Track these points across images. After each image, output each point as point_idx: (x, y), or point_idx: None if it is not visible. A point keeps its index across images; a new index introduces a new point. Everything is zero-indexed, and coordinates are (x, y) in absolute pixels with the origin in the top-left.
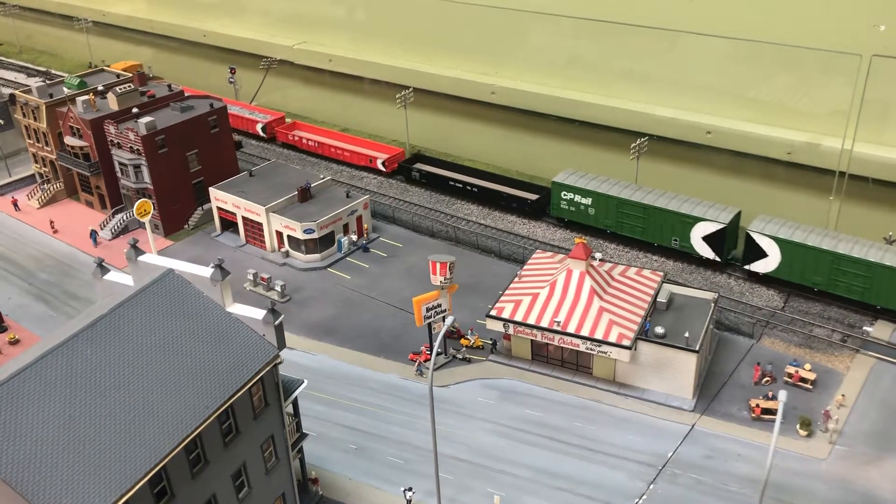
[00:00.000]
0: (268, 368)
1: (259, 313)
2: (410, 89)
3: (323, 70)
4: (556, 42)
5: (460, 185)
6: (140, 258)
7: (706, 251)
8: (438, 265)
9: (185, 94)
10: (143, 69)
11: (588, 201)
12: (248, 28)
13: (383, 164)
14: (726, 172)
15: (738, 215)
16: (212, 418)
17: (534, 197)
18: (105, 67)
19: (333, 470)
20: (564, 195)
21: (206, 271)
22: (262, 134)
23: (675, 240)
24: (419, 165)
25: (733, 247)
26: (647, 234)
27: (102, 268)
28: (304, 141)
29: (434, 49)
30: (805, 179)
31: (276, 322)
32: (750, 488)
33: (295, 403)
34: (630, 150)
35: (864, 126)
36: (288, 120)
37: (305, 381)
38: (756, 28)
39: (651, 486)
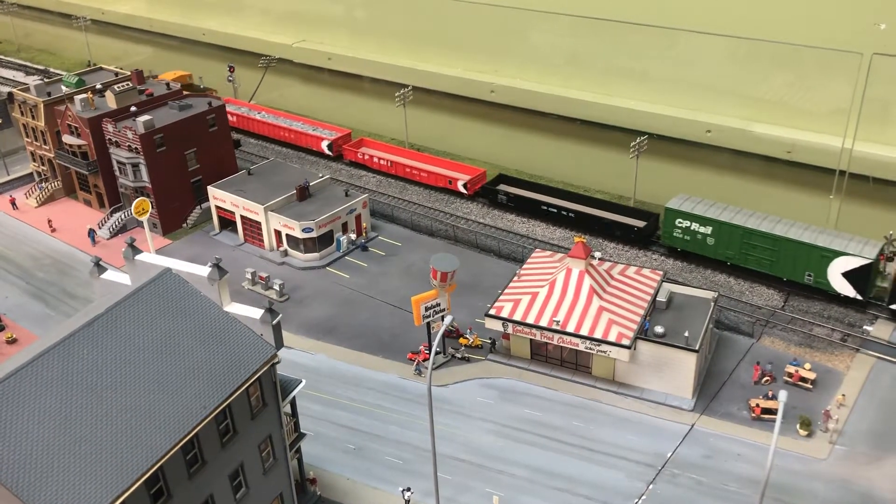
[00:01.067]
0: (265, 368)
1: (257, 313)
2: (409, 88)
3: (322, 68)
4: (556, 40)
5: (554, 210)
6: (137, 257)
7: (846, 289)
8: (440, 274)
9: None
10: (194, 80)
11: (707, 230)
12: (248, 26)
13: (465, 185)
14: (726, 171)
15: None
16: (209, 418)
17: (641, 224)
18: (153, 78)
19: (332, 470)
20: (679, 223)
21: (204, 270)
22: (327, 152)
23: (810, 275)
24: (504, 187)
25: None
26: (777, 268)
27: (100, 267)
28: (376, 160)
29: (434, 47)
30: (805, 178)
31: (274, 321)
32: (749, 488)
33: (293, 403)
34: (630, 149)
35: (865, 125)
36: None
37: (303, 381)
38: (756, 26)
39: (650, 487)
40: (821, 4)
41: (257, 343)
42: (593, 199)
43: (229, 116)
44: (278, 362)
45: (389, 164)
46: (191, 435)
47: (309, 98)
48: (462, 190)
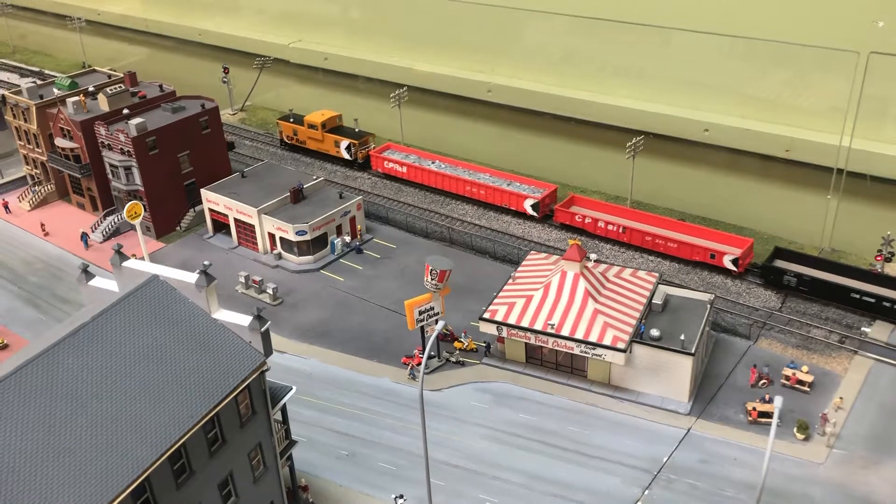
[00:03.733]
0: (254, 376)
1: (245, 319)
2: (405, 88)
3: (317, 68)
4: (553, 39)
5: (871, 300)
6: (125, 264)
7: None
8: (438, 273)
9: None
10: (349, 121)
11: None
12: (243, 26)
13: (734, 262)
14: (724, 170)
15: None
16: (196, 427)
17: None
18: (291, 121)
19: (324, 476)
20: None
21: (192, 277)
22: (531, 212)
23: None
24: (783, 264)
25: None
26: None
27: (87, 273)
28: (602, 224)
29: (430, 47)
30: (803, 177)
31: (263, 328)
32: (746, 493)
33: (284, 410)
34: (626, 149)
35: (863, 123)
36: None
37: (294, 388)
38: (753, 25)
39: (646, 492)
40: (818, 3)
41: (246, 350)
42: None
43: (393, 164)
44: (267, 370)
45: (622, 230)
46: (178, 444)
47: (304, 98)
48: (731, 267)
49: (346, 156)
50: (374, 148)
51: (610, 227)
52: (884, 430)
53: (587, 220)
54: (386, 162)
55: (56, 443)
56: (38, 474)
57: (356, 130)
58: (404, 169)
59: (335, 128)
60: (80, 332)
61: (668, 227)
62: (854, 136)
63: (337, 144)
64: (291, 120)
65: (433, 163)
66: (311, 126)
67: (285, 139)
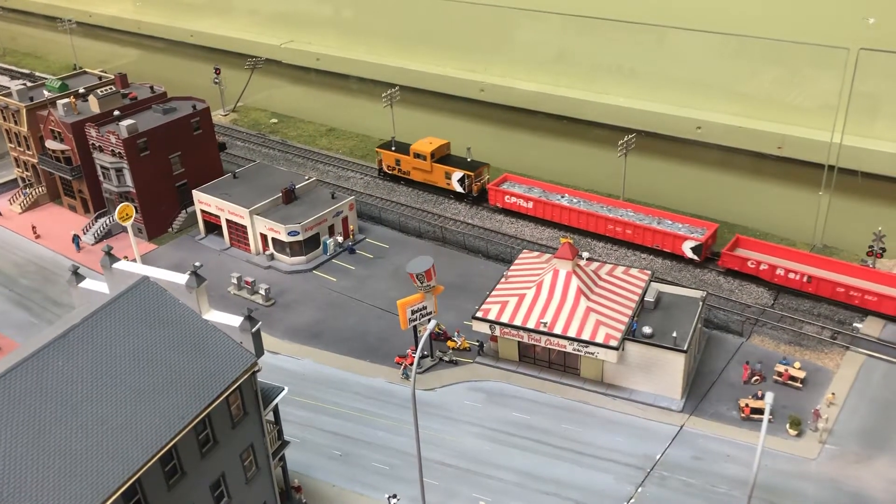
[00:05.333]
0: (246, 377)
1: (236, 320)
2: (397, 87)
3: (309, 69)
4: (545, 39)
5: None
6: (115, 265)
7: None
8: (424, 273)
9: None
10: (459, 150)
11: None
12: (236, 28)
13: None
14: (716, 167)
15: None
16: (187, 429)
17: None
18: (392, 148)
19: (317, 477)
20: None
21: (182, 278)
22: (691, 256)
23: None
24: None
25: None
26: None
27: (77, 275)
28: (793, 276)
29: (423, 47)
30: (795, 174)
31: (254, 329)
32: (739, 490)
33: (276, 411)
34: (618, 147)
35: (854, 119)
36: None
37: (286, 389)
38: (745, 22)
39: (639, 489)
40: (808, 0)
41: (237, 351)
42: None
43: (515, 199)
44: (259, 370)
45: (806, 279)
46: (169, 446)
47: (296, 99)
48: None
49: (459, 189)
50: (486, 179)
51: (791, 275)
52: (876, 425)
53: (763, 267)
54: (507, 196)
55: (46, 445)
56: (29, 477)
57: (469, 160)
58: (529, 204)
59: (444, 157)
60: (70, 334)
61: (860, 276)
62: (845, 132)
63: (448, 176)
64: (393, 148)
65: (563, 197)
66: (418, 156)
67: (385, 169)
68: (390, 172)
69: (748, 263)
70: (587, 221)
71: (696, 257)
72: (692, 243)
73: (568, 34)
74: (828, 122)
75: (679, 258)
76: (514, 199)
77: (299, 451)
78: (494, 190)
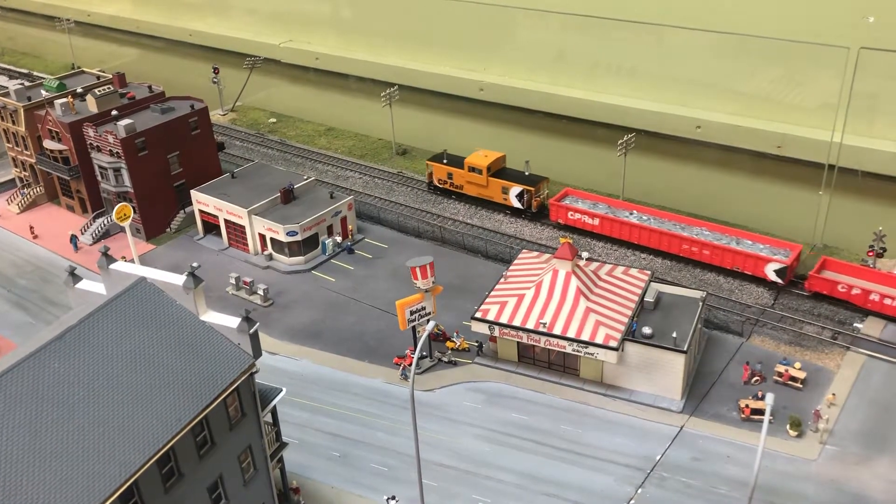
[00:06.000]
0: (243, 378)
1: (233, 321)
2: (396, 87)
3: (308, 68)
4: (544, 37)
5: None
6: (112, 266)
7: None
8: (418, 270)
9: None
10: (513, 163)
11: None
12: (234, 27)
13: None
14: (715, 167)
15: None
16: (185, 431)
17: None
18: (442, 161)
19: (316, 478)
20: None
21: (179, 279)
22: (774, 279)
23: None
24: None
25: None
26: None
27: (74, 276)
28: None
29: (422, 46)
30: (795, 173)
31: (251, 330)
32: (739, 491)
33: (274, 412)
34: (618, 146)
35: (854, 118)
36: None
37: (284, 390)
38: (744, 21)
39: (639, 490)
40: None
41: (234, 352)
42: None
43: (580, 216)
44: (256, 371)
45: None
46: (166, 448)
47: (295, 99)
48: None
49: (517, 204)
50: (546, 194)
51: (888, 300)
52: (876, 426)
53: (855, 291)
54: (570, 213)
55: (42, 447)
56: (25, 479)
57: (527, 174)
58: (595, 221)
59: (500, 170)
60: (67, 335)
61: None
62: (845, 131)
63: (505, 191)
64: (445, 161)
65: (631, 213)
66: (474, 169)
67: (436, 182)
68: (441, 186)
69: (839, 287)
70: (659, 240)
71: (779, 280)
72: (776, 266)
73: (567, 33)
74: (828, 121)
75: (757, 279)
76: (578, 216)
77: (298, 452)
78: (556, 206)
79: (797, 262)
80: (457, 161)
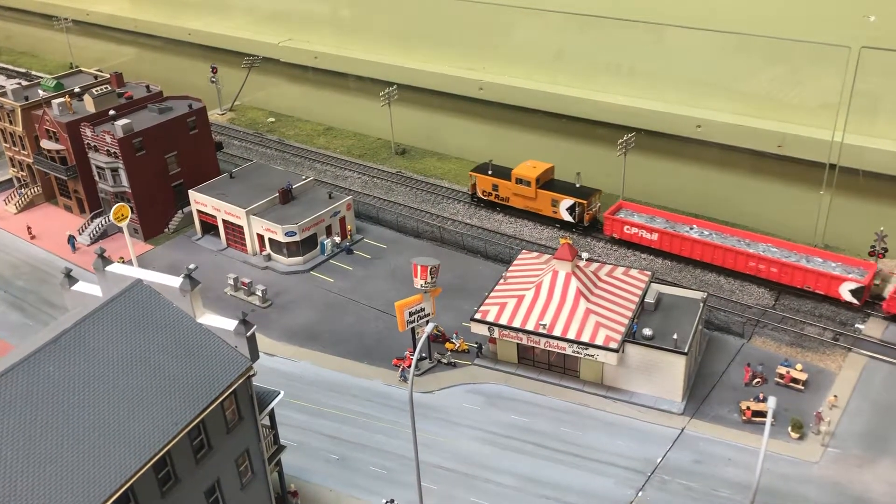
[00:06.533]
0: (241, 381)
1: (231, 324)
2: (395, 86)
3: (307, 67)
4: (544, 36)
5: None
6: (108, 268)
7: None
8: (419, 268)
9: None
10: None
11: None
12: (233, 26)
13: None
14: (716, 166)
15: None
16: (181, 434)
17: None
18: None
19: (314, 481)
20: None
21: (176, 281)
22: (849, 299)
23: None
24: None
25: None
26: None
27: (70, 278)
28: None
29: (421, 45)
30: (796, 172)
31: (249, 333)
32: (741, 494)
33: (272, 415)
34: (618, 145)
35: (855, 118)
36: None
37: (282, 393)
38: (745, 20)
39: (639, 493)
40: None
41: (232, 356)
42: None
43: (636, 230)
44: (254, 375)
45: None
46: (163, 452)
47: (294, 98)
48: None
49: (568, 218)
50: (598, 207)
51: None
52: (878, 427)
53: None
54: (626, 227)
55: (37, 451)
56: (20, 484)
57: (577, 186)
58: (654, 236)
59: (549, 182)
60: (62, 338)
61: None
62: (846, 131)
63: (555, 204)
64: (490, 172)
65: (691, 228)
66: (522, 181)
67: (480, 195)
68: (485, 198)
69: None
70: (724, 257)
71: (855, 301)
72: (852, 285)
73: (567, 32)
74: (829, 120)
75: (831, 299)
76: (634, 230)
77: (296, 455)
78: (611, 219)
79: (872, 282)
80: (502, 172)
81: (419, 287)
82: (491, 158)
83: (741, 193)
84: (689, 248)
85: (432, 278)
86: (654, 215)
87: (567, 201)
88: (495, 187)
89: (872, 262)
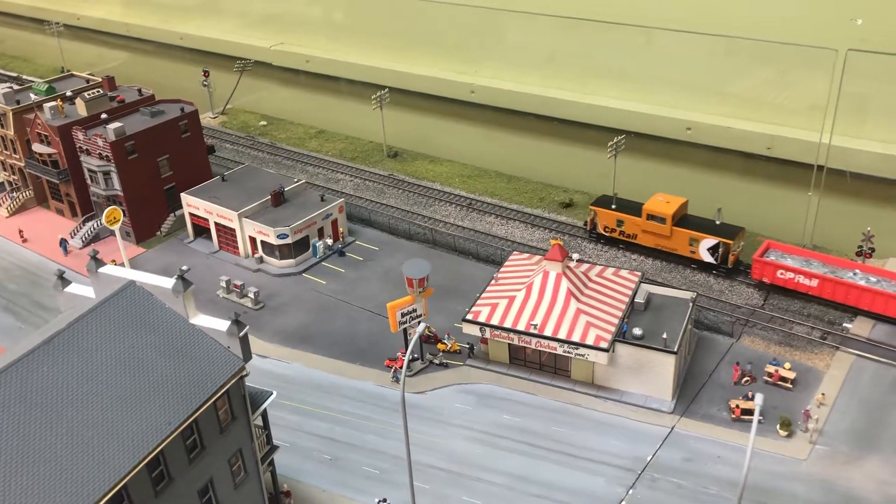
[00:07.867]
0: (233, 381)
1: (223, 325)
2: (387, 89)
3: (299, 71)
4: (535, 40)
5: None
6: (101, 270)
7: None
8: (416, 281)
9: None
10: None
11: None
12: (225, 30)
13: None
14: (705, 168)
15: None
16: (175, 434)
17: None
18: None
19: (307, 482)
20: None
21: (168, 282)
22: None
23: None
24: None
25: None
26: None
27: (63, 280)
28: None
29: (413, 49)
30: (784, 174)
31: (241, 333)
32: (730, 491)
33: (264, 415)
34: (608, 148)
35: (842, 120)
36: None
37: (274, 393)
38: (734, 23)
39: (630, 492)
40: (797, 1)
41: (224, 356)
42: None
43: (792, 275)
44: (247, 375)
45: None
46: (156, 452)
47: (286, 101)
48: None
49: (709, 259)
50: (742, 247)
51: None
52: (866, 425)
53: None
54: (780, 271)
55: (31, 452)
56: (13, 484)
57: (718, 223)
58: (813, 282)
59: (683, 217)
60: (55, 339)
61: None
62: (834, 133)
63: (693, 243)
64: (614, 207)
65: (855, 274)
66: (654, 217)
67: (602, 230)
68: (607, 234)
69: None
70: None
71: None
72: None
73: (557, 36)
74: (817, 122)
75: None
76: (790, 275)
77: (288, 455)
78: (761, 262)
79: None
80: (629, 206)
81: (412, 293)
82: (616, 192)
83: (731, 194)
84: (856, 297)
85: (426, 283)
86: (808, 258)
87: (708, 241)
88: (620, 223)
89: None
